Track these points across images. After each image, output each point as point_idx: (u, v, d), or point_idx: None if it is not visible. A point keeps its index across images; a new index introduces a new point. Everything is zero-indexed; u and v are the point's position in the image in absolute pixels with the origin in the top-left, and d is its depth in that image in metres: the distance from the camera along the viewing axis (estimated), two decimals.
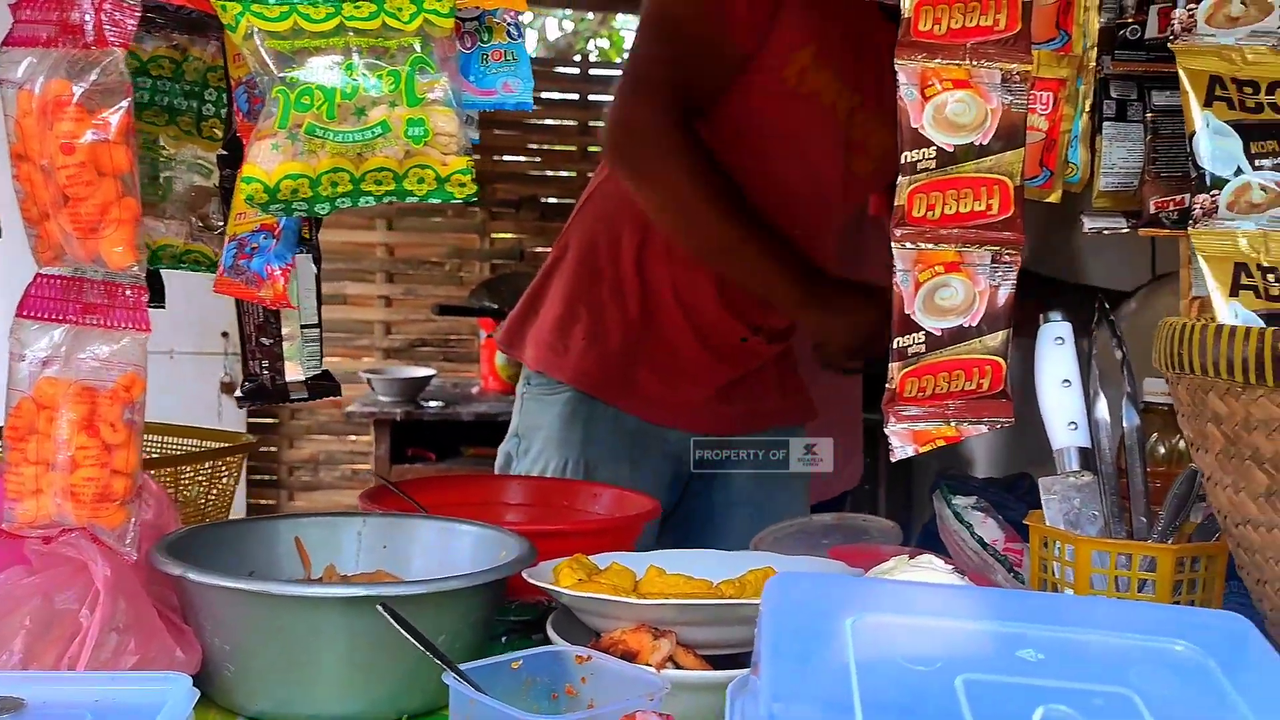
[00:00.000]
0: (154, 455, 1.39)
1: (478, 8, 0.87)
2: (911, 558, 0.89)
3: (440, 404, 3.50)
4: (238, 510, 4.03)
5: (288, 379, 1.00)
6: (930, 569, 0.85)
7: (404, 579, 1.14)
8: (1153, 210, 1.12)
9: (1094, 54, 1.09)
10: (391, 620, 0.86)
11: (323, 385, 1.04)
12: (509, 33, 0.90)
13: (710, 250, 1.58)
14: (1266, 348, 0.68)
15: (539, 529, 1.35)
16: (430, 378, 3.67)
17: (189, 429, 1.47)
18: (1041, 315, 1.09)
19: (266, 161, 0.74)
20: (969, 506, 1.16)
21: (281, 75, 0.74)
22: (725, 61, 1.56)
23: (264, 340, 0.98)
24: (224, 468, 1.36)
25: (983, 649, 0.59)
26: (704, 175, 1.52)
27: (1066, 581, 0.92)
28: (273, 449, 4.08)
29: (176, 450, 1.44)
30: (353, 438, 4.10)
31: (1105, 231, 1.18)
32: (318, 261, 0.96)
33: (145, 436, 1.46)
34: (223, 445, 1.37)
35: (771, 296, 1.59)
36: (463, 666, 0.86)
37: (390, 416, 3.43)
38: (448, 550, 1.19)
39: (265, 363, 0.99)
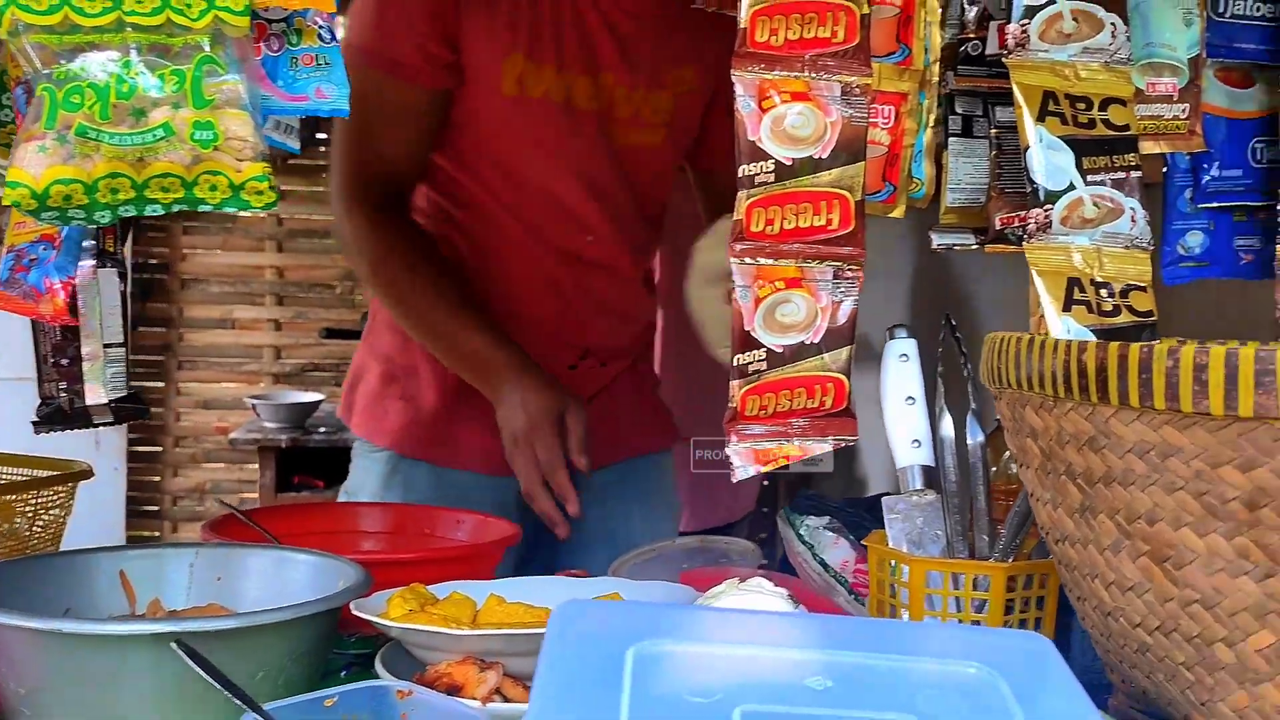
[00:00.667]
0: None
1: (284, 8, 0.82)
2: (743, 580, 0.86)
3: (328, 430, 3.41)
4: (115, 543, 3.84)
5: (89, 402, 0.94)
6: (758, 592, 0.82)
7: (237, 612, 1.08)
8: (999, 226, 1.12)
9: (937, 69, 1.09)
10: (187, 659, 0.81)
11: (129, 408, 0.98)
12: (320, 36, 0.85)
13: (421, 337, 1.53)
14: (1073, 361, 0.67)
15: (387, 558, 1.29)
16: (318, 403, 3.57)
17: (21, 458, 1.38)
18: (887, 331, 1.08)
19: (33, 165, 0.69)
20: (820, 528, 1.14)
21: (47, 72, 0.69)
22: (429, 110, 1.48)
23: (61, 361, 0.91)
24: (53, 498, 1.28)
25: (770, 677, 0.56)
26: (386, 273, 1.50)
27: (903, 603, 0.90)
28: (155, 478, 3.94)
29: (4, 479, 1.36)
30: (243, 466, 3.98)
31: (955, 248, 1.18)
32: (123, 276, 0.90)
33: None
34: (50, 474, 1.29)
35: (479, 379, 1.51)
36: (273, 705, 0.81)
37: (275, 443, 3.33)
38: (284, 581, 1.13)
39: (63, 384, 0.92)
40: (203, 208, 0.76)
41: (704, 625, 0.59)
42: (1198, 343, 0.80)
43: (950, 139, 1.14)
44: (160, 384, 3.99)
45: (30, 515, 1.26)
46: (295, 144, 0.94)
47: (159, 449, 3.94)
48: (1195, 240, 1.23)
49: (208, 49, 0.74)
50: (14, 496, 1.25)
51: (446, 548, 1.35)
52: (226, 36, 0.76)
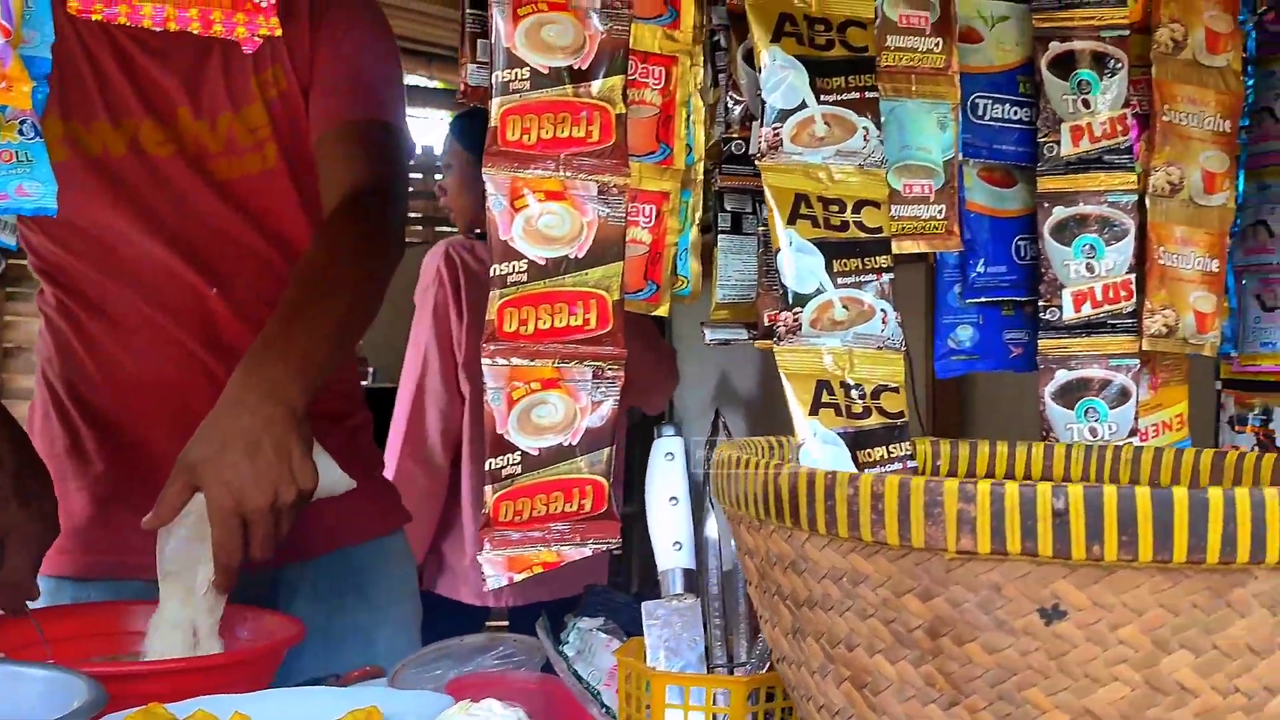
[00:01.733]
0: None
1: None
2: (475, 701, 0.82)
3: None
4: None
5: None
6: (486, 714, 0.79)
7: None
8: (767, 322, 1.12)
9: (701, 167, 1.09)
10: None
11: None
12: (21, 131, 0.81)
13: None
14: (770, 484, 0.66)
15: (145, 669, 1.21)
16: None
17: None
18: (655, 430, 1.07)
19: None
20: (594, 629, 1.11)
21: None
22: None
23: None
24: None
25: None
26: None
27: (647, 718, 0.87)
28: None
29: None
30: None
31: (730, 341, 1.18)
32: None
33: None
34: None
35: None
36: None
37: None
38: (16, 699, 1.05)
39: None
40: None
41: None
42: (884, 458, 0.80)
43: (719, 236, 1.14)
44: None
45: None
46: (11, 240, 0.89)
47: None
48: (965, 334, 1.26)
49: None
50: None
51: (210, 656, 1.27)
52: None
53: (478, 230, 2.59)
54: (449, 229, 4.56)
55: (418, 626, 1.58)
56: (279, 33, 0.84)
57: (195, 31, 0.83)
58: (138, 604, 1.45)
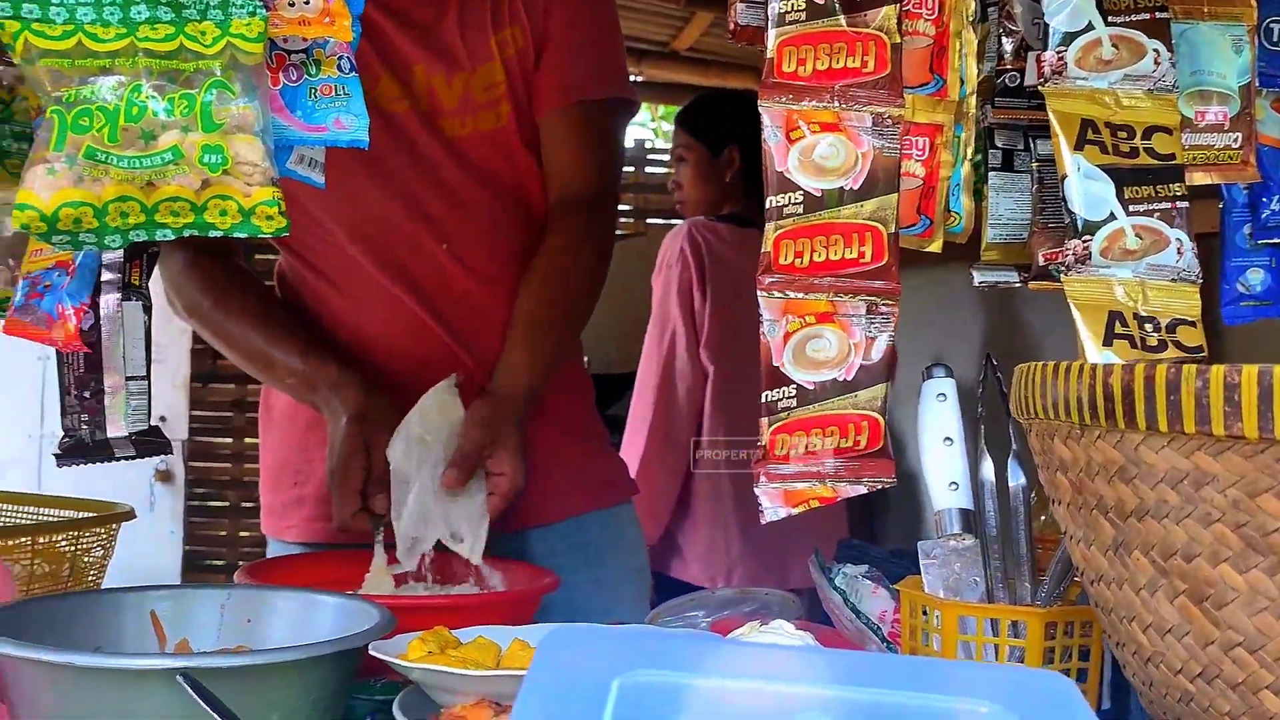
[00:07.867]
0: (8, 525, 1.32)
1: (303, 38, 0.83)
2: (764, 624, 0.82)
3: None
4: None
5: (110, 435, 0.93)
6: (777, 633, 0.78)
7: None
8: (1042, 262, 1.08)
9: (974, 101, 1.06)
10: (192, 693, 0.79)
11: (151, 442, 0.98)
12: (340, 66, 0.86)
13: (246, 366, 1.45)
14: (1099, 384, 0.63)
15: (419, 603, 1.27)
16: None
17: (64, 500, 1.40)
18: (925, 371, 1.04)
19: (42, 188, 0.69)
20: (859, 575, 1.09)
21: (58, 95, 0.70)
22: None
23: (84, 393, 0.91)
24: (92, 539, 1.29)
25: (762, 712, 0.52)
26: (203, 306, 1.40)
27: (935, 650, 0.85)
28: (220, 532, 3.97)
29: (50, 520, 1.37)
30: None
31: (999, 285, 1.14)
32: (148, 309, 0.90)
33: (8, 507, 1.40)
34: (87, 515, 1.29)
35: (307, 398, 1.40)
36: None
37: None
38: (309, 623, 1.12)
39: (85, 417, 0.92)
40: (213, 233, 0.75)
41: (698, 656, 0.55)
42: None
43: (990, 173, 1.10)
44: (229, 440, 4.05)
45: (69, 557, 1.27)
46: (320, 178, 0.95)
47: (224, 503, 4.00)
48: (1256, 278, 1.17)
49: (219, 74, 0.74)
50: (46, 537, 1.25)
51: (479, 594, 1.32)
52: (240, 64, 0.76)
53: (723, 212, 2.57)
54: (659, 221, 4.60)
55: (648, 594, 1.59)
56: None
57: None
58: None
